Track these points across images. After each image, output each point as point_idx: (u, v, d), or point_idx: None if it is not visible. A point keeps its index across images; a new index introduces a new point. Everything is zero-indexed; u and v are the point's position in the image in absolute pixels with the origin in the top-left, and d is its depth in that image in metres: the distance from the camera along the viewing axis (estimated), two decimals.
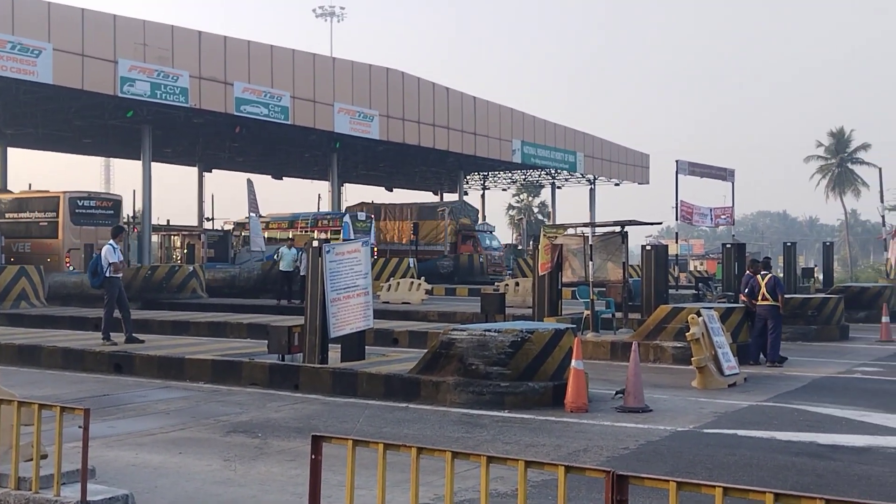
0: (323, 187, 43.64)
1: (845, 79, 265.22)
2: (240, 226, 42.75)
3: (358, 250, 12.78)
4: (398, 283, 29.04)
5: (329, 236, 36.54)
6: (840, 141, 77.80)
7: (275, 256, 30.22)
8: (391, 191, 59.05)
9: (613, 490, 3.99)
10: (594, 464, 7.54)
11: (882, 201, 37.51)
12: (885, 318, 19.45)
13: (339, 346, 12.78)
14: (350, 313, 12.47)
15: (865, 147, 77.80)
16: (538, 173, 58.86)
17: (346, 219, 34.48)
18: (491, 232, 47.80)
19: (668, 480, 3.95)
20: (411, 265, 34.72)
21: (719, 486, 3.84)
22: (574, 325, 12.80)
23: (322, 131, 37.52)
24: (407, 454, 4.59)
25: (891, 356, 16.38)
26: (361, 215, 39.52)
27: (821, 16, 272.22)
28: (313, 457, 4.82)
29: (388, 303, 27.01)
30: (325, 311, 12.15)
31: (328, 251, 12.28)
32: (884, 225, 38.44)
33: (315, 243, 12.66)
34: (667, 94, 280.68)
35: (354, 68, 38.65)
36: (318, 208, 43.63)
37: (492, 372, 10.71)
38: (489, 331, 11.01)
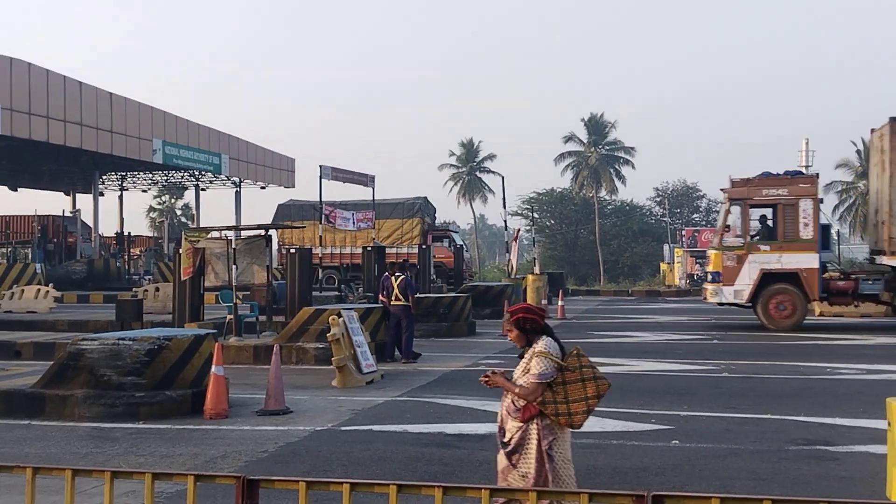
0: None
1: (472, 92, 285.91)
2: None
3: None
4: (22, 291, 26.80)
5: None
6: (470, 151, 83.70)
7: None
8: (16, 190, 54.04)
9: (244, 495, 4.00)
10: (232, 469, 7.49)
11: (504, 207, 40.75)
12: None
13: None
14: None
15: (491, 157, 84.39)
16: (181, 174, 57.08)
17: None
18: (457, 232, 43.16)
19: (297, 481, 4.03)
20: (38, 270, 32.16)
21: (346, 483, 3.99)
22: (216, 331, 12.65)
23: None
24: (22, 475, 4.26)
25: (511, 349, 17.94)
26: None
27: (443, 26, 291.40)
28: None
29: (10, 312, 24.84)
30: None
31: None
32: (506, 229, 41.84)
33: None
34: (308, 101, 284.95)
35: None
36: None
37: (126, 382, 10.23)
38: (124, 339, 10.51)
